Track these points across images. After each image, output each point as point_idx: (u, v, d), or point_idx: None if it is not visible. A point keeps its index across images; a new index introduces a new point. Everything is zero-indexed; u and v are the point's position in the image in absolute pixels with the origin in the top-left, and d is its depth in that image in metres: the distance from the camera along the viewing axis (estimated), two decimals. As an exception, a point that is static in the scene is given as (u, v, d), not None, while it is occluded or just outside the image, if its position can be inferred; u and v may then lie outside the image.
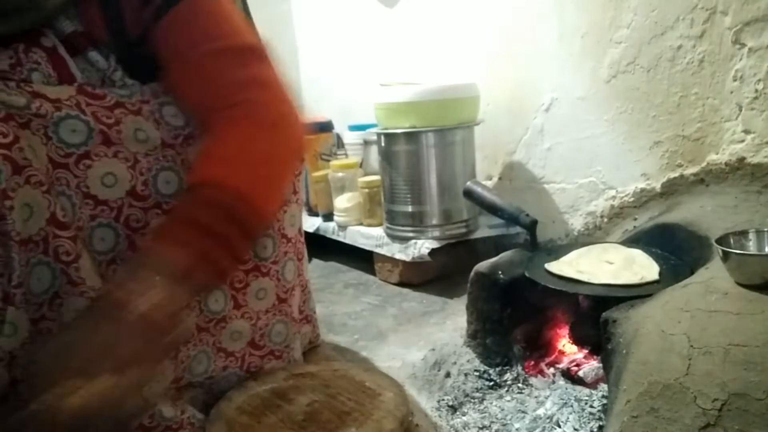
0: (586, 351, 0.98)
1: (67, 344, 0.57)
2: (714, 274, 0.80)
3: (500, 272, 1.05)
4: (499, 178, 1.66)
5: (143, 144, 0.71)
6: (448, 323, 1.25)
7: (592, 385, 0.92)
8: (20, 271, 0.64)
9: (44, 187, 0.65)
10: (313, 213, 1.90)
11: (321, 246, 1.77)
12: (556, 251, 1.10)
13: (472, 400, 0.95)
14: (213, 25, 0.73)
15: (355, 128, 2.07)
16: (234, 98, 0.71)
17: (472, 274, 1.08)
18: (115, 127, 0.69)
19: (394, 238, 1.54)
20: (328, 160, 1.89)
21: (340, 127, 2.19)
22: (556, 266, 1.00)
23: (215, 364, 0.85)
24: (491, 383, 0.99)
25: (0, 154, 0.61)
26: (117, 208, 0.71)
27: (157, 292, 0.60)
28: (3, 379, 0.66)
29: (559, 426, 0.85)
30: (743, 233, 0.84)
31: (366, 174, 1.81)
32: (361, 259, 1.67)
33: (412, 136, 1.46)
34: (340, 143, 2.20)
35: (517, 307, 1.06)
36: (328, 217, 1.79)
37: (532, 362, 1.02)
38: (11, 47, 0.67)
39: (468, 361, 1.06)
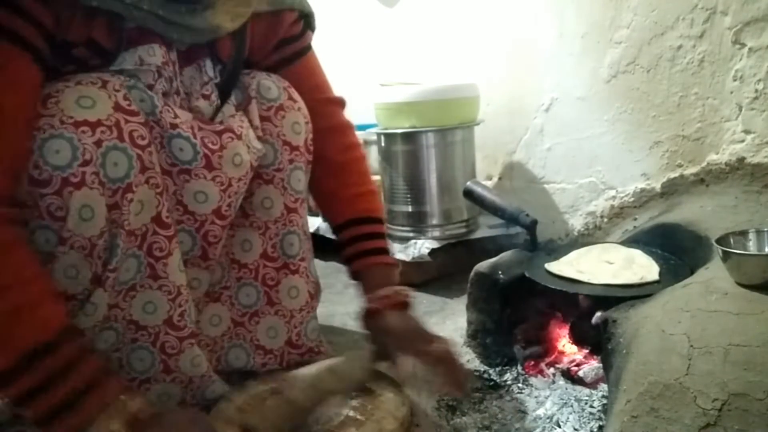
0: (586, 351, 0.98)
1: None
2: (714, 274, 0.80)
3: (500, 272, 1.05)
4: (499, 178, 1.66)
5: (237, 168, 0.81)
6: (448, 323, 1.24)
7: (592, 385, 0.92)
8: (120, 257, 0.70)
9: (158, 189, 0.73)
10: (313, 213, 1.89)
11: (321, 246, 1.76)
12: (556, 251, 1.10)
13: (472, 400, 0.95)
14: (321, 79, 1.02)
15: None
16: (345, 141, 0.99)
17: (472, 274, 1.08)
18: (218, 153, 0.79)
19: (394, 238, 1.54)
20: (328, 160, 1.89)
21: (340, 127, 2.19)
22: (556, 266, 1.00)
23: (254, 361, 0.92)
24: (491, 383, 0.99)
25: (136, 153, 0.69)
26: (201, 222, 0.81)
27: None
28: None
29: (559, 426, 0.85)
30: (743, 233, 0.84)
31: (366, 174, 1.81)
32: (361, 259, 1.66)
33: (412, 136, 1.46)
34: (340, 143, 2.19)
35: (517, 307, 1.06)
36: (329, 217, 1.79)
37: (532, 362, 1.02)
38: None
39: (468, 361, 1.06)
